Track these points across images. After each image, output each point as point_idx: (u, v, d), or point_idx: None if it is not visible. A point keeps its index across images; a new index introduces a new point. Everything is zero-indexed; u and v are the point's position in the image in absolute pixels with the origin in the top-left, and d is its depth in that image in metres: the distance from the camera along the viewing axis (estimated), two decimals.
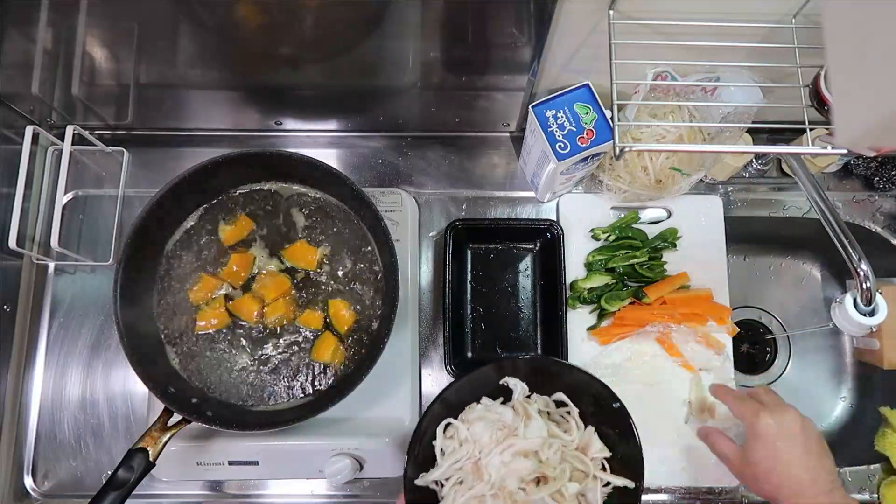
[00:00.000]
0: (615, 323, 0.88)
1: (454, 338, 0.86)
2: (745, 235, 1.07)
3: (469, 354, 0.89)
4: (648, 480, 0.83)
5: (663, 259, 0.90)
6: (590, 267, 0.90)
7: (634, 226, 0.91)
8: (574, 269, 0.89)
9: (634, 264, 0.89)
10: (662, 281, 0.88)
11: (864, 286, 0.73)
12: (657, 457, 0.84)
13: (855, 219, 0.97)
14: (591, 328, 0.88)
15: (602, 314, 0.88)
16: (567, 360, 0.84)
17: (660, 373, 0.87)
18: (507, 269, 0.92)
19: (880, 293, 0.76)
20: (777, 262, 1.15)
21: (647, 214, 0.92)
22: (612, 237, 0.90)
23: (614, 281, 0.89)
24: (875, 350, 0.92)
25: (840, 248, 0.73)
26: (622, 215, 0.91)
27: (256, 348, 0.80)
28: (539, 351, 0.89)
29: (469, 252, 0.92)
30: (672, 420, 0.86)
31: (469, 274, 0.91)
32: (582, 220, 0.91)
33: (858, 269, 0.72)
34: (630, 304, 0.88)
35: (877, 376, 0.93)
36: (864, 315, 0.75)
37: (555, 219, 0.92)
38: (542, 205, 0.95)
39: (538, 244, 0.92)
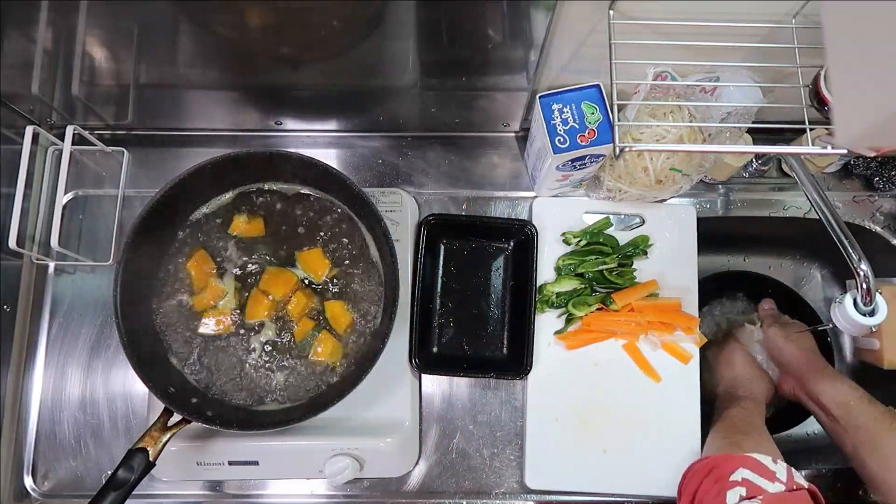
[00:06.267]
0: (582, 328, 0.88)
1: (421, 332, 0.86)
2: (745, 235, 1.07)
3: (434, 350, 0.88)
4: (604, 487, 0.84)
5: (634, 266, 0.90)
6: (559, 271, 0.90)
7: (607, 232, 0.91)
8: (544, 272, 0.89)
9: (603, 270, 0.89)
10: (631, 288, 0.88)
11: (864, 286, 0.73)
12: (613, 464, 0.84)
13: (855, 219, 0.97)
14: (557, 332, 0.88)
15: (570, 319, 0.88)
16: (532, 363, 0.85)
17: (624, 380, 0.87)
18: (479, 267, 0.92)
19: (880, 293, 0.76)
20: (777, 262, 1.15)
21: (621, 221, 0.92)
22: (583, 242, 0.90)
23: (583, 286, 0.89)
24: (875, 350, 0.92)
25: (840, 248, 0.73)
26: (595, 220, 0.91)
27: (256, 348, 0.80)
28: (505, 352, 0.89)
29: (443, 248, 0.92)
30: (632, 428, 0.85)
31: (441, 269, 0.91)
32: (554, 223, 0.91)
33: (858, 269, 0.72)
34: (598, 309, 0.88)
35: (877, 376, 0.93)
36: (864, 315, 0.75)
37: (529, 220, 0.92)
38: (519, 206, 0.95)
39: (512, 244, 0.91)
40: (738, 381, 0.88)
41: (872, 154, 0.87)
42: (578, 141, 0.76)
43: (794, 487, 0.64)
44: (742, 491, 0.63)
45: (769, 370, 0.94)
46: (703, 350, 0.92)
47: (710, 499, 0.65)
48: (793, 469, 0.67)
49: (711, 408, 0.88)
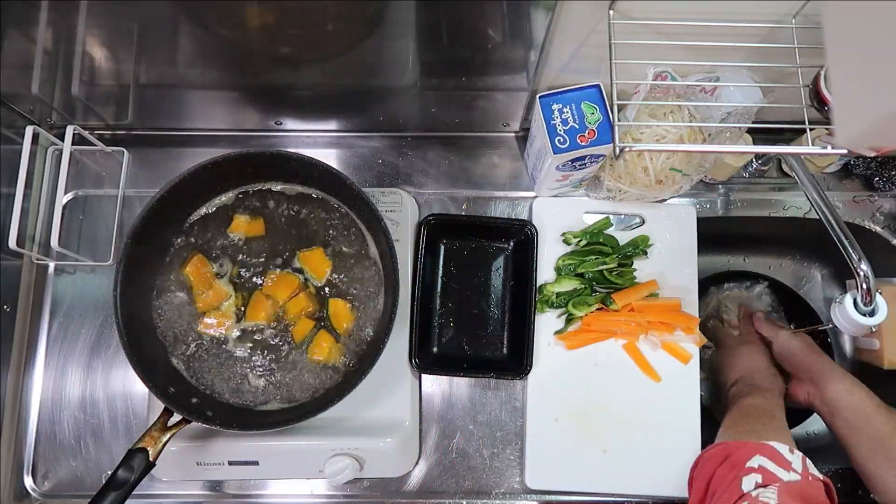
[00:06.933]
0: (582, 328, 0.88)
1: (421, 332, 0.86)
2: (745, 235, 1.07)
3: (434, 350, 0.88)
4: (604, 487, 0.84)
5: (634, 266, 0.90)
6: (559, 271, 0.90)
7: (607, 232, 0.91)
8: (544, 272, 0.89)
9: (603, 270, 0.89)
10: (631, 288, 0.88)
11: (864, 286, 0.73)
12: (613, 464, 0.84)
13: (855, 219, 0.97)
14: (557, 332, 0.88)
15: (569, 319, 0.88)
16: (532, 363, 0.85)
17: (624, 380, 0.87)
18: (479, 266, 0.91)
19: (880, 293, 0.76)
20: (777, 262, 1.15)
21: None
22: (583, 242, 0.90)
23: (583, 286, 0.88)
24: (875, 350, 0.92)
25: (840, 248, 0.73)
26: (595, 220, 0.91)
27: (256, 348, 0.80)
28: (505, 352, 0.89)
29: (443, 248, 0.92)
30: (632, 428, 0.85)
31: (441, 269, 0.91)
32: (554, 223, 0.91)
33: (858, 269, 0.72)
34: (598, 309, 0.88)
35: (877, 376, 0.93)
36: (864, 315, 0.75)
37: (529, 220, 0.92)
38: (519, 206, 0.95)
39: (512, 244, 0.91)
40: (764, 374, 0.87)
41: (872, 154, 0.87)
42: (578, 141, 0.76)
43: (810, 478, 0.64)
44: (758, 478, 0.63)
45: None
46: (719, 336, 0.93)
47: (724, 485, 0.65)
48: (808, 460, 0.66)
49: (718, 402, 0.88)
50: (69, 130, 0.86)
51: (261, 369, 0.80)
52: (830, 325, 0.80)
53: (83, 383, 0.88)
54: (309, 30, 0.72)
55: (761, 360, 0.90)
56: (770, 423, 0.77)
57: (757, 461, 0.65)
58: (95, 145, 0.91)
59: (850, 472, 0.88)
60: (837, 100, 0.40)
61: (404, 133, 0.97)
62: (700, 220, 0.92)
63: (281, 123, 0.96)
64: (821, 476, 0.65)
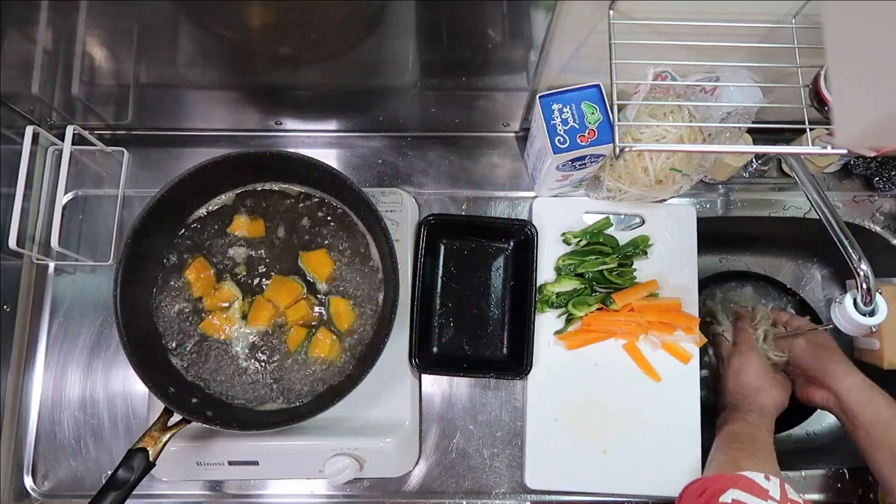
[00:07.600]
0: (582, 328, 0.88)
1: (421, 332, 0.86)
2: (745, 235, 1.07)
3: (434, 350, 0.88)
4: (604, 487, 0.84)
5: (634, 266, 0.90)
6: (559, 271, 0.90)
7: (607, 232, 0.91)
8: (544, 272, 0.89)
9: (603, 270, 0.89)
10: (631, 288, 0.88)
11: (864, 286, 0.73)
12: (613, 464, 0.84)
13: (855, 219, 0.97)
14: (557, 332, 0.88)
15: (569, 319, 0.88)
16: (532, 363, 0.84)
17: (624, 380, 0.86)
18: (479, 267, 0.91)
19: (880, 293, 0.76)
20: (777, 262, 1.15)
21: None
22: (583, 242, 0.90)
23: (583, 286, 0.88)
24: (875, 350, 0.92)
25: (840, 248, 0.73)
26: (595, 220, 0.91)
27: (256, 348, 0.80)
28: (505, 352, 0.89)
29: (443, 248, 0.92)
30: (632, 428, 0.85)
31: (441, 269, 0.91)
32: (554, 223, 0.91)
33: (858, 269, 0.72)
34: (598, 309, 0.88)
35: (877, 376, 0.93)
36: (864, 315, 0.75)
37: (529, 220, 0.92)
38: (519, 206, 0.95)
39: (512, 244, 0.91)
40: (746, 393, 0.86)
41: (872, 154, 0.87)
42: (578, 141, 0.76)
43: (789, 503, 0.64)
44: None
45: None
46: (716, 355, 0.92)
47: None
48: (787, 484, 0.66)
49: (716, 415, 0.88)
50: (69, 130, 0.86)
51: (261, 370, 0.80)
52: (830, 325, 0.80)
53: (83, 383, 0.88)
54: (309, 30, 0.72)
55: (749, 376, 0.87)
56: (750, 449, 0.76)
57: (730, 495, 0.64)
58: (95, 145, 0.91)
59: (852, 471, 0.88)
60: (837, 100, 0.40)
61: (404, 133, 0.97)
62: (700, 220, 0.92)
63: (281, 123, 0.96)
64: (800, 499, 0.64)
